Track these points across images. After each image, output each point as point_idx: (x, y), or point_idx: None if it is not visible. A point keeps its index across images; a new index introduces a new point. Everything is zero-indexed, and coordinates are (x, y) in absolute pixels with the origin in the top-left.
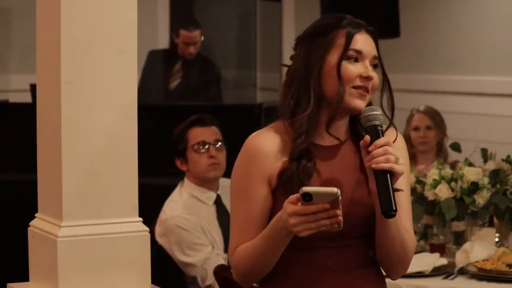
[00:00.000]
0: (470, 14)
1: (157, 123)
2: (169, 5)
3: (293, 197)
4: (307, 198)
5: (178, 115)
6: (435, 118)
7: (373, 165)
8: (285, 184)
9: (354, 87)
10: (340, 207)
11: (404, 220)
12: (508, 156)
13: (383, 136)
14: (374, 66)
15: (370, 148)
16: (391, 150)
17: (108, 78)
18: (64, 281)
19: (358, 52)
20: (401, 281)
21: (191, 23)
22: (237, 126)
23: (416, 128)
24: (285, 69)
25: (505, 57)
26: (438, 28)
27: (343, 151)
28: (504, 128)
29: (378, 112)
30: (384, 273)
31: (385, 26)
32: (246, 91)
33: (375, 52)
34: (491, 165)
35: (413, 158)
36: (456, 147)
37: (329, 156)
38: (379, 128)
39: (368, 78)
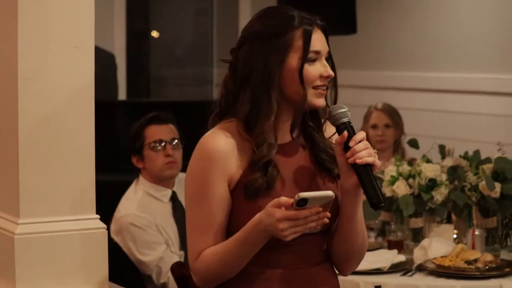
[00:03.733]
0: (426, 11)
1: (114, 120)
2: (125, 2)
3: (277, 201)
4: (302, 203)
5: (135, 112)
6: (394, 116)
7: (358, 160)
8: (250, 191)
9: (314, 87)
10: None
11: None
12: (466, 153)
13: (354, 132)
14: (327, 60)
15: (350, 144)
16: (369, 145)
17: (65, 74)
18: (21, 278)
19: (317, 52)
20: (359, 278)
21: None
22: (194, 123)
23: (375, 126)
24: None
25: (461, 54)
26: (395, 24)
27: (296, 147)
28: (461, 124)
29: (346, 109)
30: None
31: (342, 23)
32: (202, 88)
33: (328, 47)
34: (449, 162)
35: None
36: (413, 143)
37: (285, 154)
38: (350, 124)
39: (328, 77)
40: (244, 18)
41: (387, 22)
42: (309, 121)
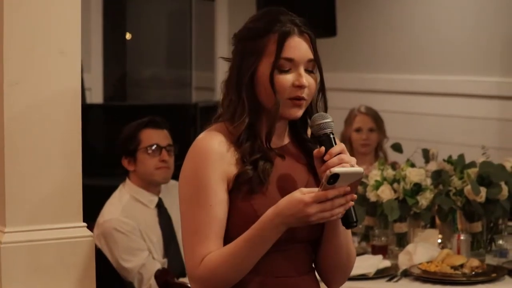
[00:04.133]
0: (407, 13)
1: (89, 123)
2: (102, 4)
3: (300, 190)
4: (332, 180)
5: (112, 115)
6: (377, 120)
7: None
8: (242, 185)
9: (289, 98)
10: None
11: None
12: (450, 157)
13: (336, 143)
14: (309, 71)
15: (325, 158)
16: (346, 158)
17: (51, 80)
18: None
19: (290, 60)
20: (344, 284)
21: None
22: (173, 126)
23: (359, 130)
24: (220, 68)
25: (441, 57)
26: (375, 27)
27: (288, 152)
28: (441, 127)
29: (329, 119)
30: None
31: (322, 25)
32: (181, 91)
33: (309, 56)
34: (433, 166)
35: None
36: (397, 147)
37: (278, 156)
38: (331, 136)
39: (301, 87)
40: (221, 20)
41: (367, 25)
42: (299, 126)
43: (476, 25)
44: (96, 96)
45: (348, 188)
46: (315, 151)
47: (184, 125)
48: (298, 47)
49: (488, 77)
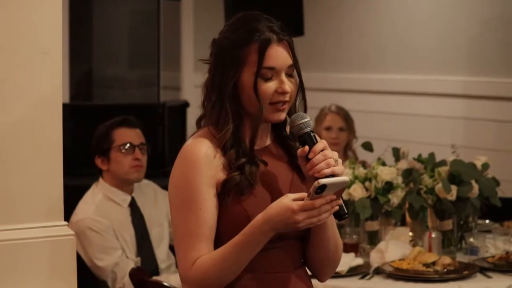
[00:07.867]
0: (375, 13)
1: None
2: (68, 2)
3: (287, 196)
4: (319, 190)
5: (79, 115)
6: (348, 119)
7: (316, 174)
8: (231, 189)
9: (271, 103)
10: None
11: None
12: (420, 155)
13: (317, 140)
14: (289, 75)
15: (310, 156)
16: (330, 154)
17: (33, 80)
18: None
19: (272, 68)
20: (317, 282)
21: None
22: (141, 125)
23: (329, 128)
24: (186, 67)
25: (410, 56)
26: (343, 26)
27: (271, 153)
28: (410, 126)
29: (308, 118)
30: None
31: (289, 25)
32: (148, 90)
33: (289, 62)
34: (403, 164)
35: None
36: (367, 146)
37: (263, 157)
38: (312, 134)
39: (283, 93)
40: (187, 20)
41: (335, 24)
42: (279, 125)
43: (442, 25)
44: (62, 96)
45: (334, 197)
46: (299, 151)
47: (152, 124)
48: (278, 55)
49: (455, 76)
